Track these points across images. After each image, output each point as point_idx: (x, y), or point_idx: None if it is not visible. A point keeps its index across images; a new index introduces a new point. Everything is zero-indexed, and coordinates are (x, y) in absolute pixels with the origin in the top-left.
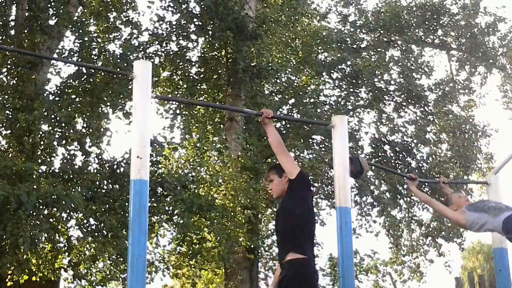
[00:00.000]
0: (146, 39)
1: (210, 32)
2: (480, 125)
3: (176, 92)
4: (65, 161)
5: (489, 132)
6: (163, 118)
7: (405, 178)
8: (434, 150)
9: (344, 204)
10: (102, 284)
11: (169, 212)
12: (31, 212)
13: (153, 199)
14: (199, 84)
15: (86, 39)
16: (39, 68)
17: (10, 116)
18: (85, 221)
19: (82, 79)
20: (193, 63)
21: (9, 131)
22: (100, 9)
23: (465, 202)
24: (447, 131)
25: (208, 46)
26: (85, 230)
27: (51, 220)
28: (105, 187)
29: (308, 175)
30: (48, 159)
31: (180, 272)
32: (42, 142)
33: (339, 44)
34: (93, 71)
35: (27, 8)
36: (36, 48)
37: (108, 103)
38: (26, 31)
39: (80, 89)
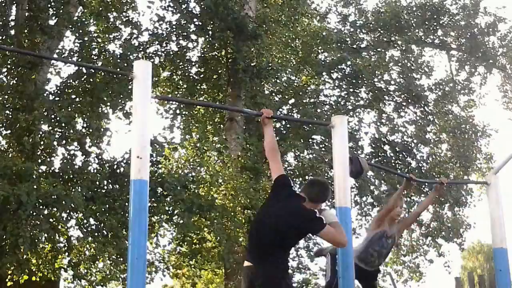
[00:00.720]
0: (146, 39)
1: (210, 32)
2: (480, 125)
3: (176, 92)
4: (65, 161)
5: (489, 132)
6: (163, 118)
7: (405, 178)
8: (434, 150)
9: (344, 204)
10: (102, 284)
11: (169, 212)
12: (31, 212)
13: (153, 199)
14: (199, 84)
15: (86, 39)
16: (39, 68)
17: (10, 116)
18: (85, 221)
19: (82, 79)
20: (193, 63)
21: (9, 131)
22: (100, 9)
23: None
24: (447, 131)
25: (208, 46)
26: (85, 230)
27: (51, 220)
28: (105, 187)
29: (282, 181)
30: (48, 159)
31: (180, 272)
32: (42, 142)
33: (339, 44)
34: (93, 71)
35: (27, 8)
36: (36, 48)
37: (108, 103)
38: (26, 31)
39: (80, 89)
